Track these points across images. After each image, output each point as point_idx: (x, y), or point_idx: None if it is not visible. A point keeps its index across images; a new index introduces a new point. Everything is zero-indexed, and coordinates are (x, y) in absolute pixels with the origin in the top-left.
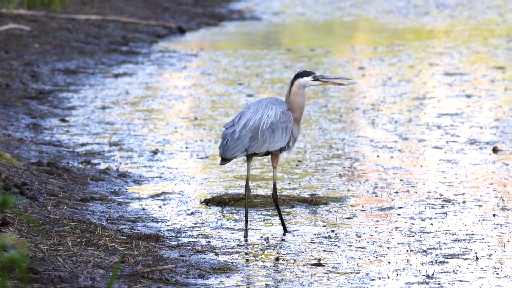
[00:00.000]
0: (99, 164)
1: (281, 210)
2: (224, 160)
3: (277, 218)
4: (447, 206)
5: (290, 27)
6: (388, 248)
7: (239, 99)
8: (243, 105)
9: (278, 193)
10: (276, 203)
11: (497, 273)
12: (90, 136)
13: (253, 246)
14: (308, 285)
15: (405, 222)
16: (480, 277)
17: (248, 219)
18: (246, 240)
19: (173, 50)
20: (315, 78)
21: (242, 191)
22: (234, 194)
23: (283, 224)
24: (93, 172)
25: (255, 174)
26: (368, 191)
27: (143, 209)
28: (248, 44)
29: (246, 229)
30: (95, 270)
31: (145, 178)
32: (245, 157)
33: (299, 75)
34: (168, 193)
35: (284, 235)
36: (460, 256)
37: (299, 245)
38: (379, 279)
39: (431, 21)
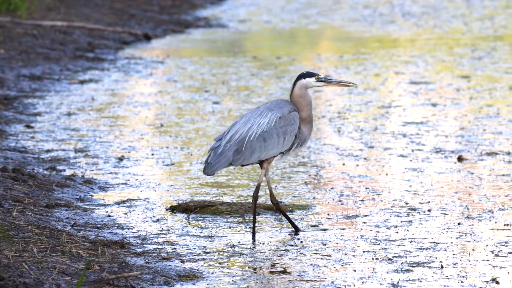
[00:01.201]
0: (64, 170)
1: (247, 218)
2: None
3: (243, 225)
4: (412, 215)
5: (256, 34)
6: (353, 256)
7: (205, 106)
8: (209, 113)
9: (243, 201)
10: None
11: (462, 282)
12: (56, 142)
13: (218, 253)
14: None
15: (371, 230)
16: (445, 286)
17: (220, 226)
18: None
19: (139, 57)
20: (319, 79)
21: (208, 198)
22: (200, 201)
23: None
24: (59, 179)
25: (221, 181)
26: (333, 199)
27: (109, 215)
28: (214, 52)
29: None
30: (60, 276)
31: (110, 185)
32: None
33: (302, 75)
34: (133, 199)
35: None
36: (425, 265)
37: (265, 252)
38: (345, 287)
39: (397, 30)
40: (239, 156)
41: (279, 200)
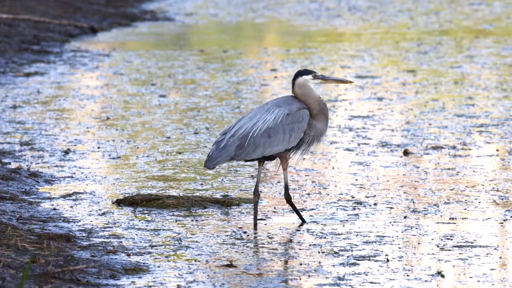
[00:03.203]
0: (9, 163)
1: (193, 211)
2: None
3: (189, 219)
4: (358, 208)
5: (202, 28)
6: (299, 249)
7: (151, 99)
8: (155, 106)
9: (189, 194)
10: (291, 203)
11: (407, 275)
12: (1, 135)
13: (165, 246)
14: (220, 286)
15: (317, 224)
16: (390, 279)
17: (166, 220)
18: (255, 233)
19: (85, 50)
20: (316, 77)
21: (154, 191)
22: (146, 194)
23: (300, 217)
24: (4, 172)
25: (167, 175)
26: (280, 193)
27: (55, 209)
28: (160, 45)
29: (255, 224)
30: (5, 270)
31: (56, 178)
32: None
33: (299, 73)
34: (79, 193)
35: (302, 225)
36: (371, 258)
37: (212, 246)
38: (291, 280)
39: (343, 24)
40: (242, 151)
41: (226, 193)
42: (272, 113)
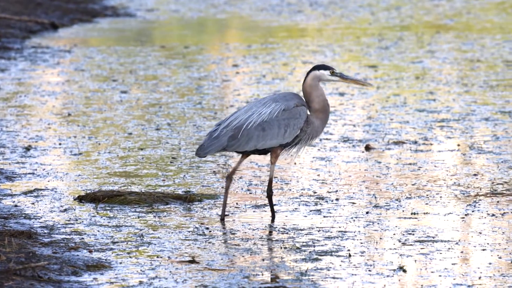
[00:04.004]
0: None
1: (155, 207)
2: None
3: (151, 215)
4: (320, 204)
5: (164, 24)
6: (262, 245)
7: (113, 95)
8: (117, 102)
9: (151, 190)
10: (270, 199)
11: (369, 270)
12: None
13: (127, 243)
14: (183, 282)
15: (279, 219)
16: (352, 274)
17: (128, 216)
18: (222, 219)
19: (46, 46)
20: (333, 74)
21: (116, 187)
22: (108, 190)
23: (273, 215)
24: None
25: (129, 171)
26: (242, 188)
27: (16, 205)
28: (122, 41)
29: (223, 212)
30: None
31: (17, 175)
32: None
33: (317, 67)
34: (41, 189)
35: (273, 221)
36: (333, 253)
37: (174, 242)
38: (254, 276)
39: (304, 20)
40: (234, 142)
41: (188, 189)
42: (268, 107)
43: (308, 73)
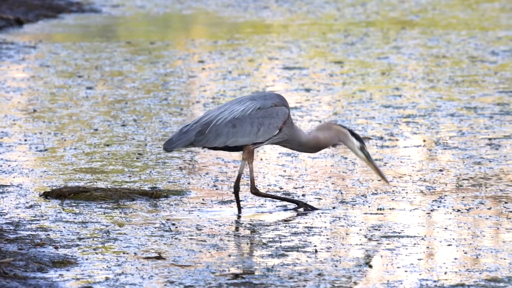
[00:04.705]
0: None
1: (121, 204)
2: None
3: (117, 211)
4: None
5: (129, 20)
6: (228, 241)
7: (78, 91)
8: (83, 98)
9: (117, 186)
10: (237, 195)
11: (335, 266)
12: None
13: (93, 239)
14: (149, 278)
15: (245, 215)
16: (319, 270)
17: (94, 212)
18: (239, 216)
19: (11, 42)
20: (362, 149)
21: (82, 183)
22: (74, 187)
23: (238, 208)
24: None
25: (95, 167)
26: (208, 184)
27: None
28: (87, 37)
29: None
30: None
31: None
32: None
33: (355, 134)
34: (6, 186)
35: (239, 217)
36: (299, 249)
37: (140, 238)
38: (220, 272)
39: (270, 16)
40: (202, 138)
41: (154, 185)
42: (242, 104)
43: (342, 127)
